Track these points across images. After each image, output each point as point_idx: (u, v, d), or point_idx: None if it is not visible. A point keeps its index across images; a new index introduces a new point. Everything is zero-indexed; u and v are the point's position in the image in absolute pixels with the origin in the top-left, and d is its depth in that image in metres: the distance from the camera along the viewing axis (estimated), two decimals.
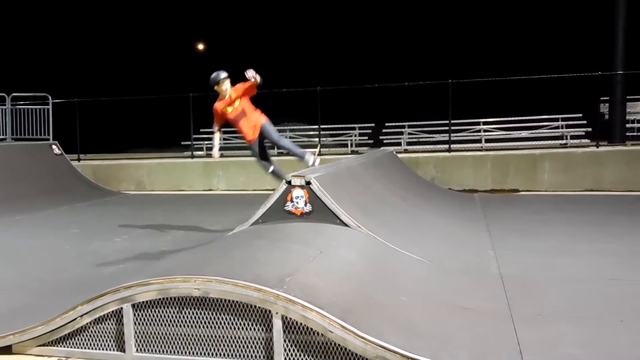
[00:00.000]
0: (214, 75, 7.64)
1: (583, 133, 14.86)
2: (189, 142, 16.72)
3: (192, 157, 16.44)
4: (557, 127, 15.57)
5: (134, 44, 32.12)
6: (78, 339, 4.28)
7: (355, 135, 17.17)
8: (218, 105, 7.76)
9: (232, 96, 7.60)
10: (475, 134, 16.00)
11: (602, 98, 14.79)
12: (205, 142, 17.65)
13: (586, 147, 13.96)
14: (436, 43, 29.13)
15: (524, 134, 15.58)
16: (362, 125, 17.35)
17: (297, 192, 6.27)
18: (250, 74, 7.29)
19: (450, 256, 6.41)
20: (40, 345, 4.33)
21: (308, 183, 6.23)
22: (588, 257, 6.47)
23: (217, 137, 8.27)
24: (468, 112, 16.00)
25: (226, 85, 7.61)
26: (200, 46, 35.56)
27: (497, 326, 4.25)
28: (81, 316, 4.23)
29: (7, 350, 4.35)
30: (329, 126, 17.33)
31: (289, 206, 6.29)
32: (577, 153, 13.44)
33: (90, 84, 27.98)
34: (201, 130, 17.71)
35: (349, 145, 16.75)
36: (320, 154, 15.17)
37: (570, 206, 10.65)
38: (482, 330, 4.16)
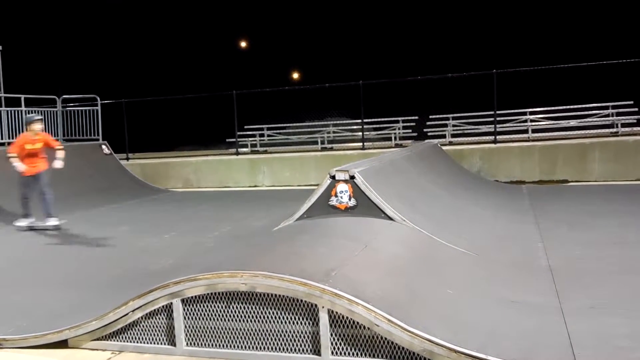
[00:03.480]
0: (28, 116, 10.07)
1: (634, 121, 14.41)
2: (234, 139, 16.90)
3: (237, 153, 16.61)
4: (607, 115, 15.14)
5: (178, 44, 32.59)
6: (130, 333, 4.40)
7: (398, 129, 17.06)
8: (21, 141, 9.47)
9: (37, 139, 9.42)
10: (522, 124, 15.69)
11: None
12: (250, 139, 17.82)
13: (638, 135, 13.54)
14: (479, 33, 28.67)
15: (573, 123, 15.19)
16: (406, 118, 17.22)
17: (342, 187, 6.29)
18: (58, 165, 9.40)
19: (498, 249, 6.33)
20: (94, 340, 4.46)
21: (352, 177, 6.24)
22: (639, 248, 6.30)
23: (16, 160, 9.39)
24: (514, 102, 15.71)
25: (37, 128, 9.44)
26: (243, 44, 35.86)
27: (547, 319, 4.19)
28: (133, 311, 4.34)
29: (63, 344, 4.49)
30: (372, 120, 17.26)
31: (334, 201, 6.31)
32: (629, 141, 13.06)
33: (137, 84, 28.52)
34: (245, 127, 17.89)
35: (393, 138, 16.66)
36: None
37: (621, 196, 10.36)
38: (531, 324, 4.10)
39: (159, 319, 4.33)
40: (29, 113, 9.89)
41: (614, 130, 14.37)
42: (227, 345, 4.15)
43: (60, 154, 9.50)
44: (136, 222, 10.20)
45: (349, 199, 6.25)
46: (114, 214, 11.24)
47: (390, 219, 6.10)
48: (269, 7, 32.64)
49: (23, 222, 9.57)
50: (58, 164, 9.40)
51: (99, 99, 16.10)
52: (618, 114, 14.90)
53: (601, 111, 15.31)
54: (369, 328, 3.75)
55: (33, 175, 9.35)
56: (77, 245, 8.34)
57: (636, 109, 14.80)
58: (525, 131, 15.29)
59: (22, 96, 14.63)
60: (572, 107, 15.45)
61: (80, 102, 16.43)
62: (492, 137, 14.52)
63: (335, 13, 31.63)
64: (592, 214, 8.61)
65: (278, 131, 18.46)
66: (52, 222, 9.42)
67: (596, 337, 3.83)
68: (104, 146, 15.43)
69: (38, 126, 9.47)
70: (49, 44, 29.55)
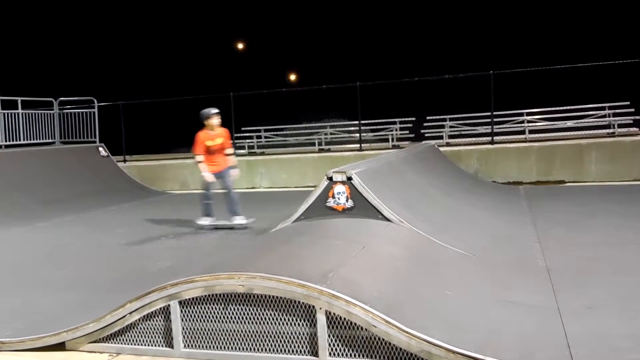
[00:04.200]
0: (205, 110, 8.93)
1: (631, 121, 14.43)
2: (231, 141, 16.86)
3: (235, 155, 16.58)
4: (604, 116, 15.16)
5: (176, 46, 32.59)
6: (128, 336, 4.39)
7: (396, 130, 17.06)
8: (202, 136, 8.85)
9: (216, 134, 8.86)
10: (519, 125, 15.71)
11: None
12: (247, 141, 17.80)
13: (635, 136, 13.57)
14: (476, 34, 28.72)
15: (569, 123, 15.21)
16: (403, 119, 17.22)
17: (339, 188, 6.29)
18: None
19: (495, 249, 6.34)
20: (92, 342, 4.45)
21: (349, 179, 6.25)
22: (637, 248, 6.31)
23: (203, 165, 8.92)
24: (511, 103, 15.72)
25: (215, 122, 8.82)
26: (240, 45, 35.86)
27: (544, 320, 4.19)
28: (130, 313, 4.34)
29: (60, 346, 4.48)
30: (370, 121, 17.26)
31: (331, 202, 6.32)
32: (626, 142, 13.09)
33: (134, 86, 28.51)
34: (242, 129, 17.87)
35: (390, 139, 16.66)
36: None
37: (618, 197, 10.38)
38: (529, 325, 4.11)
39: (157, 321, 4.33)
40: (205, 108, 8.89)
41: (611, 131, 14.39)
42: (224, 347, 4.14)
43: (233, 160, 9.09)
44: (133, 224, 10.19)
45: (347, 200, 6.26)
46: (111, 216, 11.22)
47: (388, 220, 6.10)
48: (266, 9, 32.66)
49: (205, 221, 9.03)
50: (235, 173, 8.96)
51: (96, 101, 16.09)
52: (615, 115, 14.91)
53: (598, 112, 15.33)
54: (366, 329, 3.75)
55: (216, 174, 8.79)
56: (74, 248, 8.33)
57: (633, 110, 14.82)
58: (523, 132, 15.30)
59: (19, 99, 14.62)
60: (569, 107, 15.47)
61: (77, 104, 16.42)
62: (489, 138, 14.54)
63: (332, 15, 31.66)
64: (589, 214, 8.62)
65: (275, 133, 18.45)
66: (239, 220, 8.85)
67: (593, 337, 3.84)
68: (101, 148, 15.43)
69: (216, 121, 8.79)
70: (45, 46, 29.51)
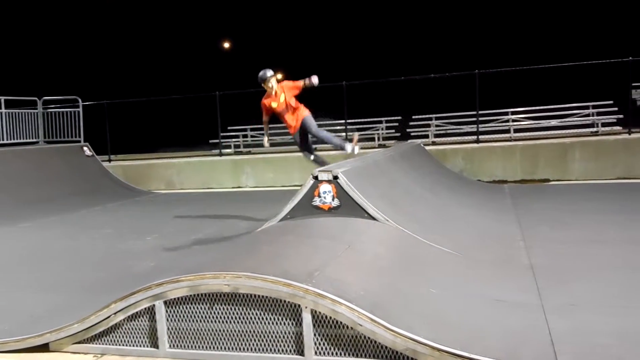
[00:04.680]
0: (261, 73, 8.24)
1: (614, 120, 14.56)
2: (217, 140, 16.84)
3: (221, 155, 16.56)
4: (588, 115, 15.29)
5: (160, 45, 32.43)
6: (113, 336, 4.37)
7: (382, 129, 17.09)
8: (265, 101, 8.32)
9: (278, 92, 8.19)
10: (504, 124, 15.79)
11: (633, 84, 14.49)
12: (233, 140, 17.75)
13: (618, 135, 13.70)
14: (461, 34, 28.85)
15: (554, 122, 15.32)
16: (389, 118, 17.26)
17: (325, 187, 6.29)
18: (315, 80, 8.02)
19: (480, 248, 6.37)
20: (76, 343, 4.43)
21: (335, 178, 6.25)
22: (620, 246, 6.37)
23: (266, 128, 8.91)
24: (496, 102, 15.81)
25: (272, 83, 8.18)
26: (226, 44, 35.75)
27: (529, 317, 4.22)
28: (115, 314, 4.32)
29: (44, 347, 4.45)
30: (356, 120, 17.28)
31: (317, 201, 6.32)
32: (609, 141, 13.21)
33: (119, 85, 28.35)
34: (229, 128, 17.83)
35: (376, 139, 16.69)
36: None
37: (602, 195, 10.48)
38: (513, 322, 4.14)
39: (142, 321, 4.31)
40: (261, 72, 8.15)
41: (594, 129, 14.52)
42: (210, 347, 4.13)
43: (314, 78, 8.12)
44: (119, 224, 10.13)
45: (332, 200, 6.26)
46: (96, 216, 11.15)
47: (374, 219, 6.11)
48: (252, 8, 32.59)
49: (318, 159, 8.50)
50: (315, 79, 8.05)
51: (80, 100, 15.97)
52: (598, 114, 15.05)
53: (582, 111, 15.45)
54: (352, 328, 3.76)
55: (299, 130, 8.30)
56: (59, 248, 8.26)
57: (616, 109, 14.96)
58: (507, 131, 15.39)
59: (2, 98, 14.47)
60: (553, 107, 15.58)
61: (61, 103, 16.28)
62: (474, 137, 14.61)
63: (318, 14, 31.66)
64: (573, 212, 8.69)
65: (262, 132, 18.37)
66: (349, 147, 8.00)
67: (577, 334, 3.87)
68: (85, 148, 15.31)
69: (272, 82, 8.18)
70: (30, 45, 29.26)
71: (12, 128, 14.73)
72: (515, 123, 15.68)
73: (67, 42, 30.75)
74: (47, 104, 16.06)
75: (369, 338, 3.72)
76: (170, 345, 4.21)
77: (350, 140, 8.21)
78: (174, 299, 4.18)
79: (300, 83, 8.13)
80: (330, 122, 18.06)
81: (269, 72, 8.24)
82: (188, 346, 4.18)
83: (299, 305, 3.88)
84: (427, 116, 16.63)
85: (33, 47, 29.35)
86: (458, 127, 16.07)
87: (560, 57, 15.61)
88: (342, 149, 8.12)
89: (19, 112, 15.07)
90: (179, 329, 4.20)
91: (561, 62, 14.62)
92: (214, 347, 4.12)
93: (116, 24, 32.00)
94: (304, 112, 8.26)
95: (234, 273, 4.06)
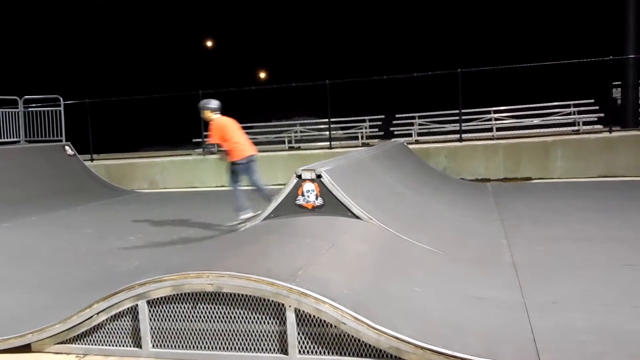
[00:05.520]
0: (202, 102, 8.61)
1: (595, 119, 14.69)
2: (200, 139, 16.77)
3: (204, 153, 16.49)
4: (569, 114, 15.44)
5: (142, 43, 32.23)
6: (95, 336, 4.35)
7: (365, 128, 17.13)
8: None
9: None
10: (486, 122, 15.89)
11: (614, 83, 14.64)
12: None
13: (599, 133, 13.83)
14: (444, 33, 28.98)
15: (536, 121, 15.44)
16: (372, 117, 17.30)
17: (308, 186, 6.30)
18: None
19: (463, 246, 6.41)
20: (58, 343, 4.39)
21: (319, 176, 6.25)
22: (601, 243, 6.43)
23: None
24: (478, 101, 15.91)
25: (207, 116, 8.52)
26: (209, 43, 35.61)
27: (511, 315, 4.26)
28: (97, 314, 4.29)
29: (26, 348, 4.41)
30: (339, 119, 17.30)
31: (300, 200, 6.32)
32: (590, 139, 13.33)
33: (101, 84, 28.14)
34: None
35: (360, 137, 16.72)
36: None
37: (584, 193, 10.58)
38: (496, 319, 4.17)
39: (124, 321, 4.28)
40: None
41: (576, 128, 14.65)
42: (194, 347, 4.12)
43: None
44: (101, 224, 10.05)
45: (316, 198, 6.27)
46: (78, 216, 11.05)
47: (357, 217, 6.13)
48: (235, 6, 32.49)
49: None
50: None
51: (62, 99, 15.82)
52: (579, 113, 15.20)
53: (563, 109, 15.60)
54: (336, 326, 3.77)
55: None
56: (40, 248, 8.18)
57: (597, 108, 15.13)
58: (490, 129, 15.48)
59: None
60: (535, 105, 15.71)
61: (42, 102, 16.12)
62: (457, 136, 14.67)
63: (301, 13, 31.63)
64: (555, 210, 8.76)
65: (245, 131, 18.29)
66: (242, 214, 8.17)
67: (558, 331, 3.91)
68: (67, 147, 15.17)
69: (207, 115, 8.46)
70: (10, 44, 28.93)
71: None
72: (497, 122, 15.78)
73: (49, 40, 30.46)
74: (28, 103, 15.89)
75: (352, 337, 3.73)
76: (153, 345, 4.20)
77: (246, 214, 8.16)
78: (157, 298, 4.17)
79: (213, 140, 8.48)
80: (314, 120, 18.10)
81: (209, 104, 8.51)
82: (171, 346, 4.17)
83: (283, 304, 3.88)
84: (410, 115, 16.70)
85: (13, 45, 29.03)
86: (441, 125, 16.15)
87: (541, 56, 15.73)
88: (237, 210, 8.30)
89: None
90: (162, 328, 4.18)
91: (543, 61, 14.73)
92: (197, 347, 4.11)
93: (98, 23, 31.75)
94: (238, 155, 8.47)
95: (217, 272, 4.05)
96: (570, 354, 3.59)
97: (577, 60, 14.10)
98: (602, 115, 14.64)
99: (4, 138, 14.92)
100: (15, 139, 15.38)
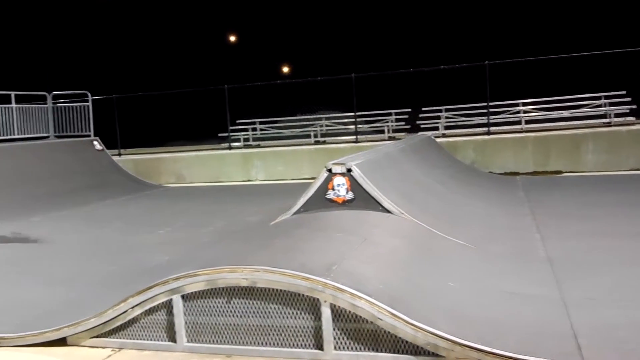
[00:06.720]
0: None
1: (627, 111, 14.41)
2: (226, 134, 16.82)
3: (230, 148, 16.53)
4: (600, 106, 15.14)
5: (169, 39, 32.41)
6: (130, 330, 4.36)
7: (391, 121, 17.00)
8: None
9: None
10: (515, 115, 15.67)
11: None
12: (242, 134, 17.72)
13: (631, 125, 13.57)
14: (471, 24, 28.66)
15: (565, 113, 15.17)
16: (399, 110, 17.17)
17: (338, 180, 6.26)
18: None
19: (495, 240, 6.33)
20: (93, 337, 4.42)
21: (349, 170, 6.21)
22: (635, 238, 6.30)
23: None
24: (506, 94, 15.69)
25: None
26: (233, 38, 35.68)
27: (548, 310, 4.18)
28: (132, 308, 4.30)
29: (62, 342, 4.45)
30: (365, 113, 17.20)
31: (331, 194, 6.28)
32: (622, 131, 13.09)
33: (129, 80, 28.35)
34: (237, 121, 17.79)
35: (386, 131, 16.60)
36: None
37: (616, 186, 10.39)
38: (533, 315, 4.10)
39: (159, 315, 4.30)
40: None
41: (607, 120, 14.38)
42: (228, 341, 4.12)
43: None
44: (130, 218, 10.13)
45: (347, 192, 6.23)
46: (107, 210, 11.16)
47: (388, 211, 6.08)
48: (259, 1, 32.49)
49: None
50: None
51: (89, 94, 15.97)
52: (611, 104, 14.90)
53: (594, 101, 15.31)
54: (372, 322, 3.73)
55: None
56: (71, 242, 8.27)
57: (629, 99, 14.80)
58: (519, 122, 15.27)
59: (13, 93, 14.48)
60: (564, 97, 15.43)
61: (71, 98, 16.29)
62: (485, 129, 14.51)
63: (326, 5, 31.52)
64: (587, 204, 8.62)
65: (270, 125, 18.36)
66: None
67: (599, 327, 3.83)
68: (95, 142, 15.31)
69: None
70: (39, 41, 29.30)
71: (22, 123, 14.75)
72: (526, 114, 15.55)
73: (76, 37, 30.77)
74: (56, 98, 16.08)
75: (389, 332, 3.69)
76: (188, 340, 4.20)
77: None
78: (192, 293, 4.17)
79: None
80: (340, 114, 18.03)
81: None
82: (206, 340, 4.17)
83: (318, 299, 3.85)
84: (437, 108, 16.52)
85: (42, 42, 29.37)
86: (468, 118, 15.95)
87: (571, 47, 15.44)
88: None
89: (29, 107, 15.09)
90: (197, 323, 4.18)
91: (573, 52, 14.46)
92: (232, 342, 4.10)
93: (125, 19, 31.98)
94: None
95: (252, 267, 4.03)
96: (611, 351, 3.52)
97: (607, 50, 13.83)
98: (634, 106, 14.34)
99: (34, 133, 15.10)
100: (44, 134, 15.56)
